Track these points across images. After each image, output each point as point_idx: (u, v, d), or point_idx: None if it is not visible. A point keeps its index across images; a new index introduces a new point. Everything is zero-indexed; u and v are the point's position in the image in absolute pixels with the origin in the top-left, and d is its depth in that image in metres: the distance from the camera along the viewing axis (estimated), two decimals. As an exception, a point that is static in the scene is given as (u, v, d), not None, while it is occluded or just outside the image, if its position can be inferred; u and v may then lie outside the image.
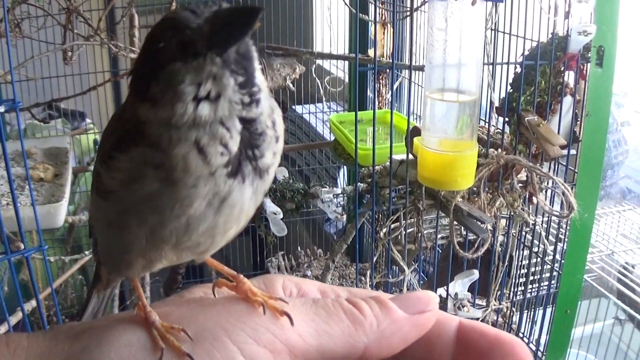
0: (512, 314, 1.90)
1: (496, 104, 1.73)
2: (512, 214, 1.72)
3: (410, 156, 1.63)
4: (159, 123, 0.56)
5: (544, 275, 1.92)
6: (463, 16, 1.38)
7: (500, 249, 1.79)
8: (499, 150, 1.63)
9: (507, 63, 1.67)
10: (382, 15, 2.72)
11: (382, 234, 1.72)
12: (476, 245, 1.69)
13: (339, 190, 1.84)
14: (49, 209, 1.83)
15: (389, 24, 2.68)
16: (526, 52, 1.63)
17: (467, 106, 1.44)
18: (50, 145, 2.35)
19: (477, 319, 1.79)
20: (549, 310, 1.87)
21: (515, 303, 1.91)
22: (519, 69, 1.64)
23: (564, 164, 1.71)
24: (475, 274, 1.80)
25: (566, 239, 1.73)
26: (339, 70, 3.46)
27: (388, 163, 1.65)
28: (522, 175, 1.66)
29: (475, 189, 1.61)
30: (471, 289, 1.83)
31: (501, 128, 1.74)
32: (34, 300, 1.59)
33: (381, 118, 2.51)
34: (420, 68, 1.90)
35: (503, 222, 1.75)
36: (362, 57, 2.62)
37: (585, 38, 1.54)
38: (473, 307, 1.81)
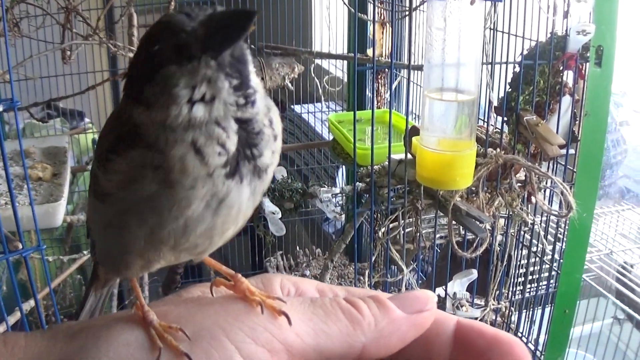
0: (510, 313, 1.90)
1: (495, 103, 1.73)
2: (510, 213, 1.72)
3: (409, 156, 1.63)
4: (155, 125, 0.56)
5: (542, 275, 1.92)
6: (462, 15, 1.38)
7: (498, 248, 1.79)
8: (498, 149, 1.63)
9: (506, 62, 1.67)
10: (380, 14, 2.72)
11: (380, 234, 1.72)
12: (475, 244, 1.69)
13: (337, 190, 1.84)
14: (48, 209, 1.83)
15: (387, 24, 2.68)
16: (525, 52, 1.63)
17: (466, 106, 1.44)
18: (48, 144, 2.34)
19: (476, 318, 1.79)
20: (547, 309, 1.87)
21: (514, 302, 1.91)
22: (517, 69, 1.64)
23: (563, 163, 1.71)
24: (474, 273, 1.80)
25: (565, 239, 1.73)
26: (338, 69, 3.46)
27: (387, 162, 1.65)
28: (521, 175, 1.66)
29: (473, 188, 1.61)
30: (470, 289, 1.83)
31: (500, 128, 1.74)
32: (32, 299, 1.59)
33: (380, 117, 2.51)
34: (419, 67, 1.90)
35: (502, 221, 1.75)
36: (361, 57, 2.63)
37: (584, 38, 1.54)
38: (472, 307, 1.81)
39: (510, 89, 1.67)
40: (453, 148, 1.47)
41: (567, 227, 1.70)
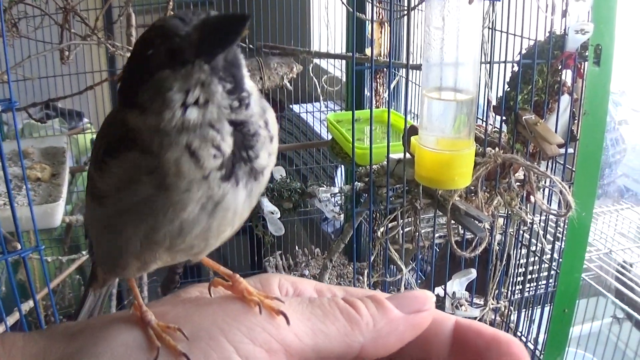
0: (510, 312, 1.90)
1: (494, 102, 1.73)
2: (509, 212, 1.72)
3: (408, 155, 1.63)
4: (149, 129, 0.56)
5: (541, 274, 1.92)
6: (460, 15, 1.38)
7: (498, 247, 1.79)
8: (497, 149, 1.63)
9: (505, 62, 1.67)
10: (379, 14, 2.72)
11: (379, 233, 1.72)
12: (474, 244, 1.69)
13: (336, 190, 1.84)
14: (46, 209, 1.82)
15: (386, 23, 2.68)
16: (523, 51, 1.63)
17: (465, 105, 1.44)
18: (47, 144, 2.34)
19: (475, 318, 1.79)
20: (547, 309, 1.87)
21: (513, 302, 1.91)
22: (516, 68, 1.64)
23: (562, 162, 1.71)
24: (473, 273, 1.80)
25: (564, 238, 1.73)
26: (337, 69, 3.46)
27: (385, 162, 1.65)
28: (520, 174, 1.66)
29: (472, 187, 1.61)
30: (469, 288, 1.83)
31: (498, 127, 1.74)
32: (31, 300, 1.59)
33: (378, 117, 2.51)
34: (418, 67, 1.90)
35: (501, 221, 1.75)
36: (360, 56, 2.62)
37: (583, 36, 1.54)
38: (471, 306, 1.81)
39: (508, 88, 1.67)
40: (452, 147, 1.47)
41: (566, 226, 1.70)
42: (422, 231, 1.72)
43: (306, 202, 1.89)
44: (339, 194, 1.84)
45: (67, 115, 3.74)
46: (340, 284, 2.85)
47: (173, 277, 2.20)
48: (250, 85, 0.60)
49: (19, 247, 1.29)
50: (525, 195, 1.69)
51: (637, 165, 2.86)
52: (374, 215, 1.87)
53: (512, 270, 1.85)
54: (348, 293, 0.62)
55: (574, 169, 1.67)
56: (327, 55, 2.96)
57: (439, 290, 1.82)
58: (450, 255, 1.74)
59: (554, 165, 1.72)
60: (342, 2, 2.49)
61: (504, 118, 1.68)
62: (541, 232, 1.80)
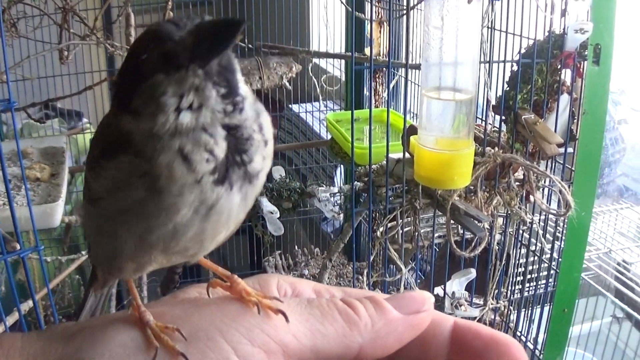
0: (509, 312, 1.90)
1: (493, 102, 1.73)
2: (509, 212, 1.72)
3: (407, 155, 1.63)
4: (142, 133, 0.56)
5: (541, 274, 1.92)
6: (459, 14, 1.38)
7: (497, 247, 1.79)
8: (496, 148, 1.63)
9: (504, 61, 1.66)
10: (378, 13, 2.72)
11: (379, 233, 1.72)
12: (473, 244, 1.69)
13: (335, 189, 1.84)
14: (46, 209, 1.82)
15: (385, 23, 2.68)
16: (523, 50, 1.63)
17: (464, 105, 1.44)
18: (46, 144, 2.34)
19: (475, 317, 1.79)
20: (546, 308, 1.87)
21: (512, 302, 1.91)
22: (515, 67, 1.64)
23: (561, 162, 1.71)
24: (473, 272, 1.80)
25: (563, 238, 1.73)
26: (336, 69, 3.46)
27: (385, 162, 1.65)
28: (519, 174, 1.66)
29: (472, 187, 1.61)
30: (468, 288, 1.83)
31: (498, 126, 1.74)
32: (30, 300, 1.58)
33: (378, 117, 2.51)
34: (417, 66, 1.90)
35: (500, 220, 1.75)
36: (359, 56, 2.62)
37: (582, 36, 1.54)
38: (470, 306, 1.81)
39: (508, 88, 1.67)
40: (451, 147, 1.47)
41: (565, 225, 1.70)
42: (422, 231, 1.72)
43: (305, 201, 1.89)
44: (338, 194, 1.84)
45: (67, 115, 3.74)
46: (340, 283, 2.85)
47: (172, 277, 2.20)
48: (244, 89, 0.60)
49: (18, 247, 1.29)
50: (524, 194, 1.69)
51: (636, 164, 2.86)
52: (374, 215, 1.87)
53: (512, 270, 1.85)
54: (346, 294, 0.62)
55: (573, 169, 1.67)
56: (327, 55, 2.95)
57: (439, 290, 1.82)
58: (449, 255, 1.74)
59: (553, 164, 1.72)
60: (342, 2, 2.49)
61: (503, 117, 1.68)
62: (541, 232, 1.80)
